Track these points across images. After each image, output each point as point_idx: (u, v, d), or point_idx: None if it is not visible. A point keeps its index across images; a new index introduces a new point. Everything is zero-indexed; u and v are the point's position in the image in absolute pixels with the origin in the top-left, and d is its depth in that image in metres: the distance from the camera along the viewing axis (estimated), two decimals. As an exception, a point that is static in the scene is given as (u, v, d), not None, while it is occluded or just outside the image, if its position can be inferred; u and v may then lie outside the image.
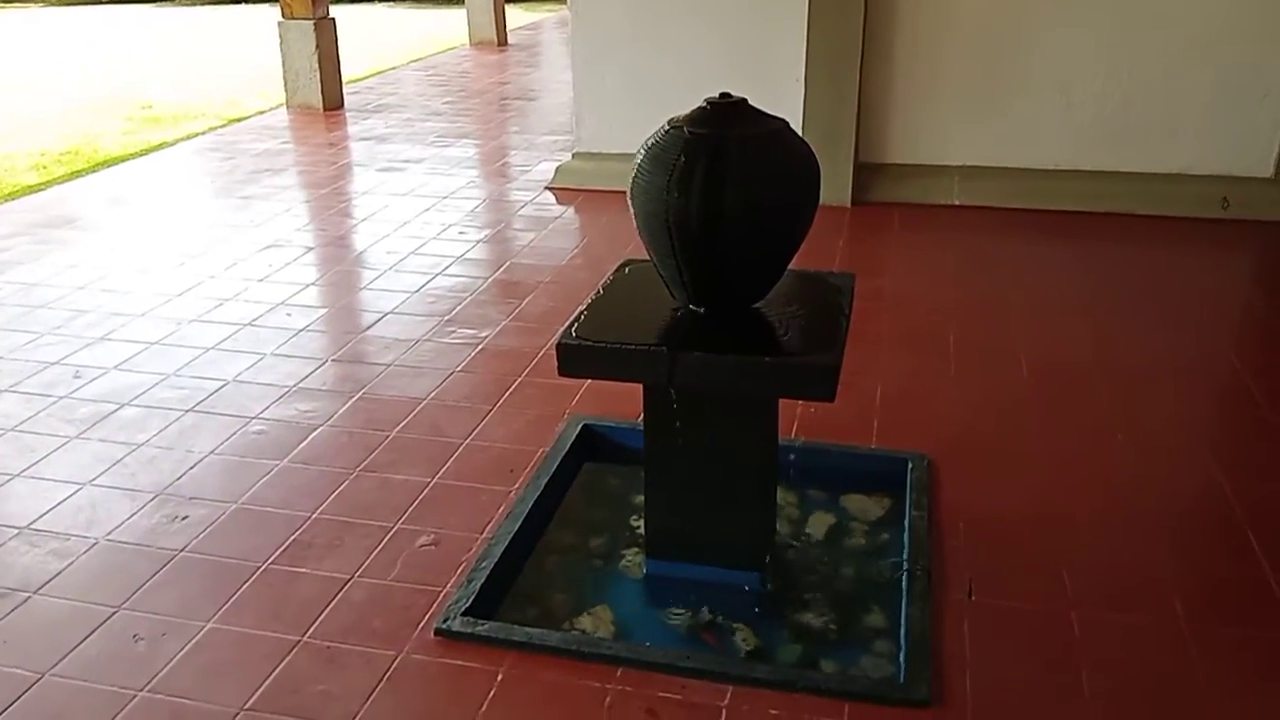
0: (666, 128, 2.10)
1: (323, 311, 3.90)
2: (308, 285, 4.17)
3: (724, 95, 2.11)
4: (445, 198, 5.38)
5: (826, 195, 4.79)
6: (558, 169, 5.55)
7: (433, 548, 2.49)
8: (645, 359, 2.06)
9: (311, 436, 2.99)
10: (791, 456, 2.78)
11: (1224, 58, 4.63)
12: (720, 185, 1.99)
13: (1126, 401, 3.14)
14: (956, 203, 4.97)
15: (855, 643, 2.26)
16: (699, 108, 2.11)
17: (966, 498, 2.66)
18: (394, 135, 6.80)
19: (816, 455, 2.83)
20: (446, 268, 4.34)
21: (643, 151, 2.10)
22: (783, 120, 2.11)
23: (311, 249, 4.65)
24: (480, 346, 3.57)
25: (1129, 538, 2.51)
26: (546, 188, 5.50)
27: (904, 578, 2.36)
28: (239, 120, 7.53)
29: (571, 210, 5.20)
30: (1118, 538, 2.51)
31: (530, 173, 5.86)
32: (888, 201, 4.99)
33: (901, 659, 2.12)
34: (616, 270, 2.48)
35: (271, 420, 3.09)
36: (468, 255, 4.50)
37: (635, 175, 2.10)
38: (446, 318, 3.82)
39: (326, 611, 2.28)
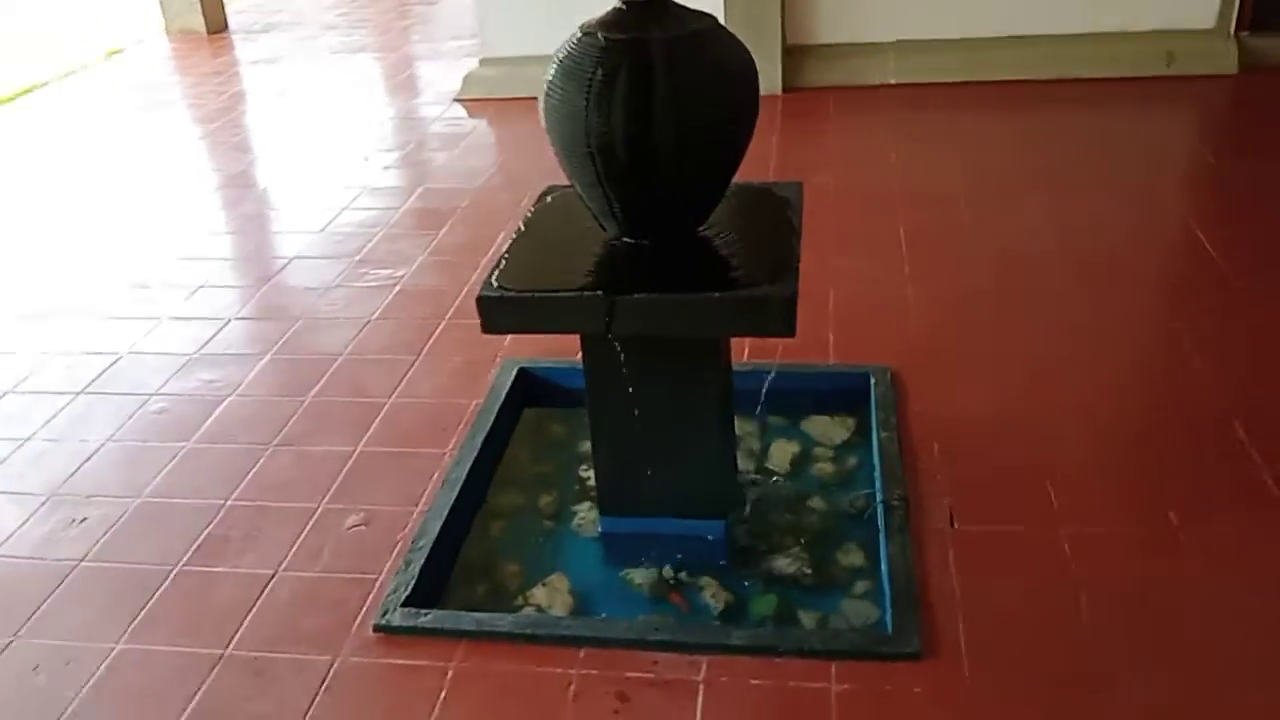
0: (578, 35, 1.81)
1: (221, 263, 3.56)
2: (203, 234, 3.80)
3: (641, -9, 1.81)
4: (347, 121, 4.98)
5: (756, 86, 4.46)
6: (465, 78, 5.16)
7: (363, 528, 2.25)
8: (579, 307, 1.80)
9: (218, 410, 2.70)
10: (751, 382, 2.55)
11: (1161, -98, 4.37)
12: (646, 100, 1.72)
13: (1091, 285, 2.96)
14: (893, 81, 4.69)
15: (833, 587, 2.09)
16: (614, 9, 1.81)
17: (936, 411, 2.47)
18: (286, 56, 6.29)
19: (772, 378, 2.61)
20: (353, 200, 3.99)
21: (553, 65, 1.81)
22: (711, 17, 1.83)
23: (205, 191, 4.25)
24: (397, 288, 3.27)
25: (1112, 440, 2.35)
26: (455, 100, 5.11)
27: (879, 510, 2.17)
28: (116, 52, 6.91)
29: (484, 123, 4.84)
30: (1100, 441, 2.35)
31: (437, 85, 5.44)
32: (820, 86, 4.70)
33: (886, 605, 1.95)
34: (538, 200, 2.20)
35: (172, 395, 2.79)
36: (375, 184, 4.14)
37: (546, 94, 1.81)
38: (357, 258, 3.50)
39: (250, 617, 2.04)
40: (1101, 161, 3.84)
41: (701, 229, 1.97)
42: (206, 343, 3.03)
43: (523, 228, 2.07)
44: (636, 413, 2.01)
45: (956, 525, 2.12)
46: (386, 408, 2.66)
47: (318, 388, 2.77)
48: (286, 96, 5.48)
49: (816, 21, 4.72)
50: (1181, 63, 4.48)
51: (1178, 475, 2.23)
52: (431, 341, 2.94)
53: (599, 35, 1.76)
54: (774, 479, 2.38)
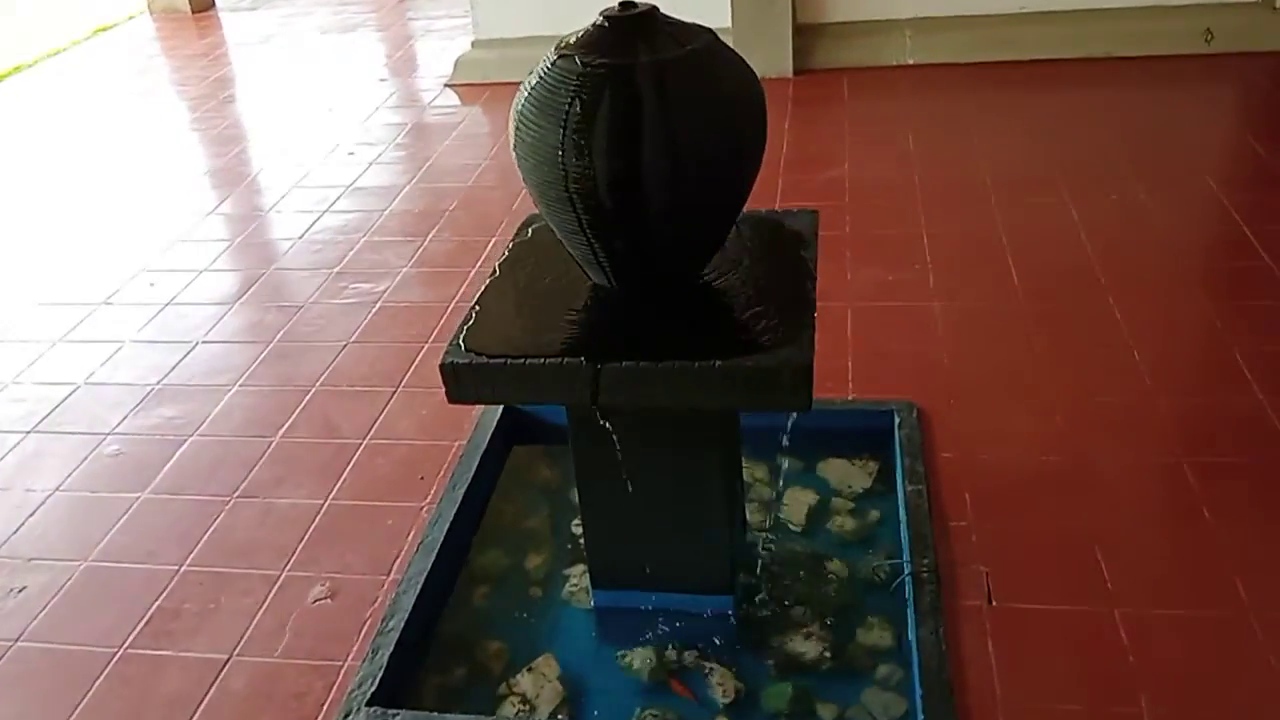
0: (553, 56, 1.54)
1: (191, 276, 3.31)
2: (174, 242, 3.55)
3: (625, 4, 1.54)
4: (333, 108, 4.70)
5: (765, 66, 4.15)
6: (456, 62, 4.87)
7: (329, 601, 2.02)
8: (558, 376, 1.55)
9: (178, 453, 2.47)
10: (762, 419, 2.29)
11: None
12: (633, 137, 1.45)
13: (1135, 299, 2.68)
14: (910, 62, 4.38)
15: (856, 673, 1.85)
16: (594, 25, 1.54)
17: (968, 456, 2.22)
18: (274, 35, 6.01)
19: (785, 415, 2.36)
20: (335, 201, 3.73)
21: (524, 93, 1.54)
22: (708, 31, 1.56)
23: (181, 191, 3.99)
24: (377, 305, 3.02)
25: (1168, 492, 2.09)
26: (446, 85, 4.83)
27: (906, 582, 1.93)
28: (104, 29, 6.61)
29: (478, 110, 4.56)
30: (1154, 492, 2.10)
31: (430, 67, 5.16)
32: (833, 67, 4.39)
33: (916, 698, 1.71)
34: (516, 234, 1.94)
35: (130, 435, 2.55)
36: (359, 182, 3.88)
37: (517, 127, 1.55)
38: (337, 269, 3.25)
39: (199, 714, 1.81)
40: (1139, 151, 3.54)
41: (702, 273, 1.71)
42: (170, 371, 2.80)
43: (497, 271, 1.81)
44: (630, 487, 1.77)
45: (995, 602, 1.87)
46: (361, 450, 2.42)
47: (287, 425, 2.53)
48: (271, 81, 5.21)
49: (829, -2, 4.40)
50: (1222, 39, 4.16)
51: (1245, 537, 1.97)
52: (412, 370, 2.69)
53: (576, 59, 1.49)
54: (786, 534, 2.13)
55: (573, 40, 1.54)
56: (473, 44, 4.84)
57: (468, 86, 4.77)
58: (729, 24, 4.15)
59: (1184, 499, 2.06)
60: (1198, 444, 2.19)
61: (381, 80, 5.08)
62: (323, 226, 3.55)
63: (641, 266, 1.62)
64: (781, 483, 2.28)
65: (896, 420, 2.31)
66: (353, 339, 2.86)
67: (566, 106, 1.46)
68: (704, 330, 1.61)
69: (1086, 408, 2.33)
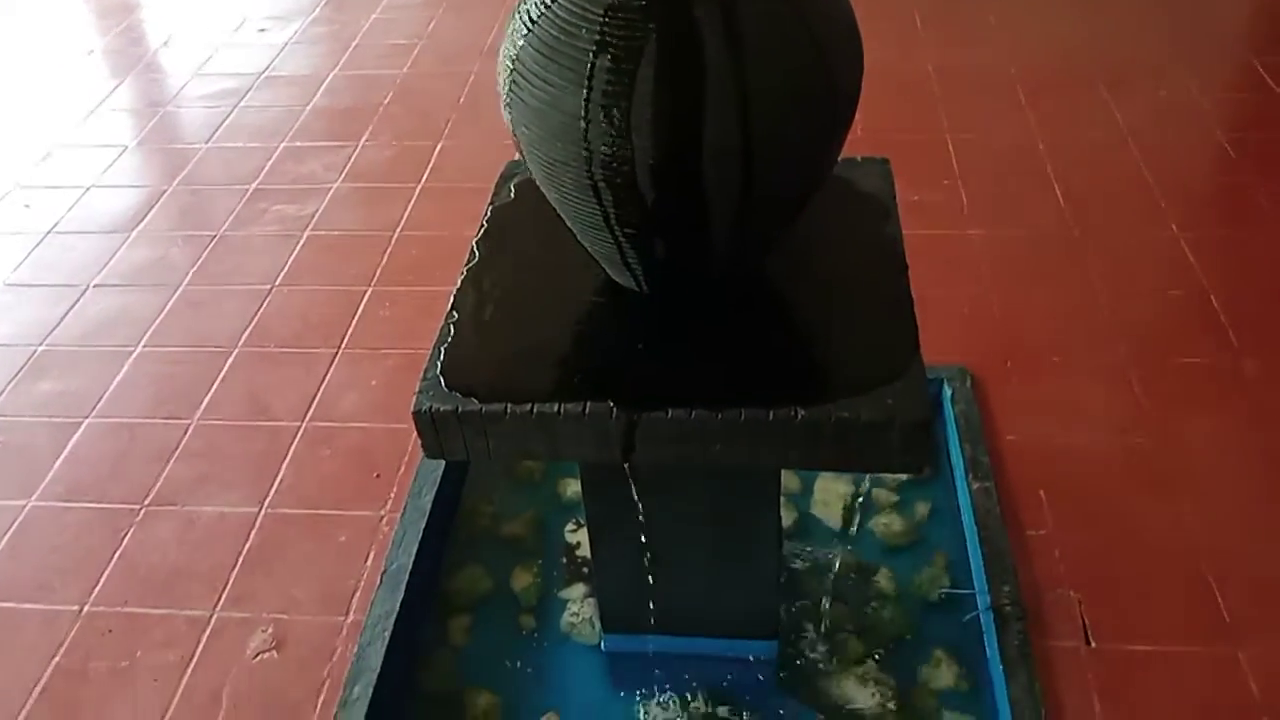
0: (562, -22, 1.05)
1: (76, 194, 2.75)
2: (53, 148, 2.96)
3: (669, -102, 1.05)
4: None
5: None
6: (381, -88, 4.17)
7: (273, 655, 1.62)
8: (578, 429, 1.13)
9: (71, 443, 2.01)
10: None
11: None
12: (691, 102, 1.00)
13: (1204, 228, 2.33)
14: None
15: (928, 728, 1.53)
16: (622, -71, 1.06)
17: (1037, 439, 1.87)
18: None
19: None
20: (246, 94, 3.14)
21: (521, 33, 1.06)
22: (788, -62, 1.08)
23: (58, 77, 3.35)
24: (305, 234, 2.52)
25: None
26: (371, -60, 4.14)
27: (985, 618, 1.60)
28: None
29: (409, -28, 3.92)
30: (1268, 488, 1.77)
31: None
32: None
33: (1013, 779, 1.40)
34: (496, 192, 1.47)
35: (8, 419, 2.08)
36: (274, 68, 3.28)
37: (511, 81, 1.08)
38: (254, 185, 2.72)
39: (115, 822, 1.43)
40: (1175, 27, 3.11)
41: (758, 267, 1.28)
42: (55, 326, 2.30)
43: (475, 254, 1.36)
44: (655, 541, 1.38)
45: (1094, 643, 1.55)
46: (299, 437, 1.98)
47: (204, 403, 2.07)
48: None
49: None
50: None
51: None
52: (354, 324, 2.23)
53: (604, -14, 1.01)
54: (821, 540, 1.78)
55: (591, -49, 1.05)
56: (398, -110, 4.14)
57: (395, -57, 4.09)
58: None
59: (1293, 484, 1.75)
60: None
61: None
62: (234, 126, 2.98)
63: (684, 270, 1.18)
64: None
65: (948, 392, 1.94)
66: (278, 281, 2.38)
67: (591, 59, 1.00)
68: (769, 357, 1.19)
69: (1166, 371, 1.98)
